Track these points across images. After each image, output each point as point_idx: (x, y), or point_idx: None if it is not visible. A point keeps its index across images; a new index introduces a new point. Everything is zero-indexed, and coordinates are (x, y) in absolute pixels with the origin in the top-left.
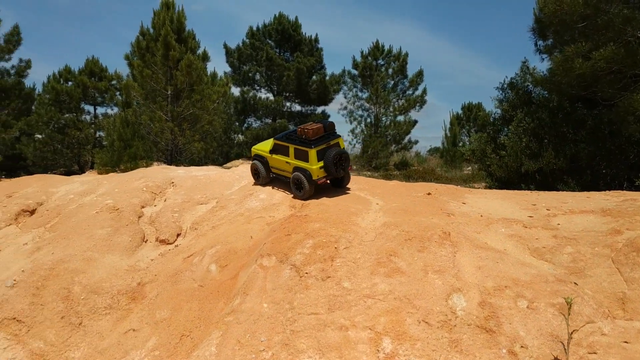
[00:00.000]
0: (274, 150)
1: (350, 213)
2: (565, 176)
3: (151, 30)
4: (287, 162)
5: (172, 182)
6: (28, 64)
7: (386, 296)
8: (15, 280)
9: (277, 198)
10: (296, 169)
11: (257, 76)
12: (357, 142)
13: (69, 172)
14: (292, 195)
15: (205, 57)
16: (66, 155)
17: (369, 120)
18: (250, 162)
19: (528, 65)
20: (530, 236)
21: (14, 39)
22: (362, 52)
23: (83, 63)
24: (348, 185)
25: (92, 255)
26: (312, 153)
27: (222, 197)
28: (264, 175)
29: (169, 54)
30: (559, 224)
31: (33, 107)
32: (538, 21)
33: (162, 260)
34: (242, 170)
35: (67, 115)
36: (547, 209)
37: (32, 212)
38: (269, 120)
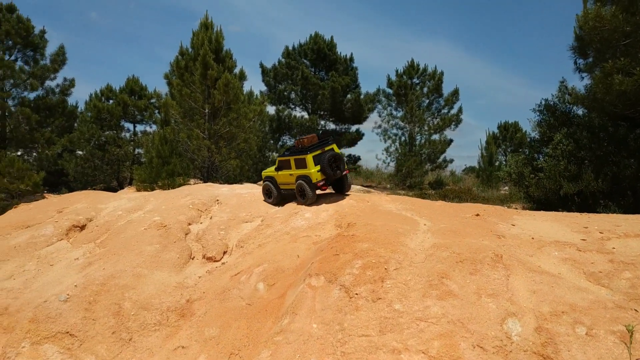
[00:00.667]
0: (279, 167)
1: (398, 233)
2: (605, 199)
3: (190, 50)
4: (290, 175)
5: (217, 200)
6: (72, 83)
7: (439, 319)
8: (68, 294)
9: (322, 217)
10: (298, 177)
11: (292, 95)
12: (391, 160)
13: (108, 188)
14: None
15: (242, 76)
16: (106, 171)
17: (403, 138)
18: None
19: (566, 84)
20: (585, 260)
21: (59, 58)
22: (397, 71)
23: (123, 82)
24: (394, 206)
25: (141, 272)
26: (309, 158)
27: (267, 215)
28: (276, 194)
29: (207, 73)
30: (614, 248)
31: (75, 125)
32: (578, 39)
33: (209, 277)
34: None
35: (107, 132)
36: (600, 232)
37: (82, 227)
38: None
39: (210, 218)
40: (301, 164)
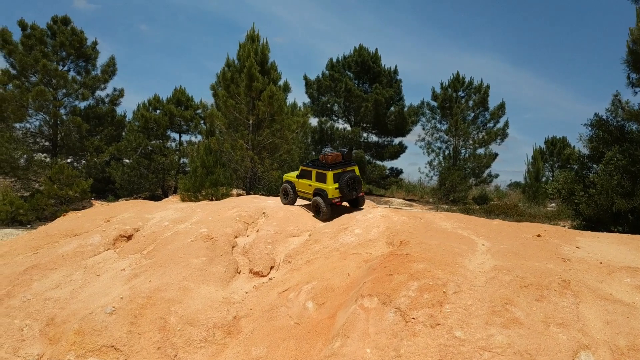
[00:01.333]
0: (301, 175)
1: (455, 254)
2: None
3: (236, 62)
4: (309, 185)
5: (264, 213)
6: (121, 93)
7: (504, 349)
8: (114, 307)
9: (373, 234)
10: (316, 190)
11: (335, 107)
12: (434, 174)
13: (153, 196)
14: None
15: (286, 88)
16: (151, 179)
17: (447, 152)
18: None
19: (620, 98)
20: None
21: (109, 69)
22: (441, 84)
23: (170, 92)
24: (449, 223)
25: (187, 285)
26: (330, 175)
27: (315, 230)
28: (292, 197)
29: (253, 85)
30: None
31: (123, 134)
32: (632, 53)
33: (256, 293)
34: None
35: (154, 141)
36: None
37: (129, 237)
38: (345, 150)
39: (257, 231)
40: (321, 178)
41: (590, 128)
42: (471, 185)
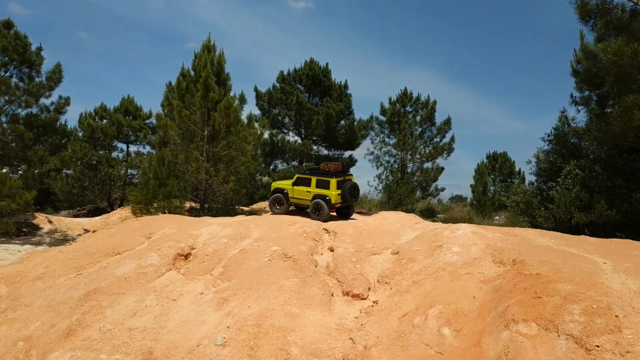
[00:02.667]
0: (296, 183)
1: (587, 273)
2: (618, 231)
3: (191, 72)
4: (307, 192)
5: (325, 229)
6: (67, 101)
7: None
8: (224, 337)
9: (474, 252)
10: (316, 196)
11: (286, 119)
12: (382, 187)
13: (97, 209)
14: (314, 220)
15: (242, 100)
16: (96, 191)
17: (395, 166)
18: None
19: (567, 115)
20: None
21: (55, 76)
22: (390, 99)
23: (111, 101)
24: (547, 240)
25: (292, 310)
26: (333, 182)
27: (401, 248)
28: (286, 206)
29: (209, 95)
30: None
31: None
32: (575, 73)
33: (372, 319)
34: (395, 218)
35: (100, 152)
36: None
37: (186, 256)
38: (295, 163)
39: (332, 250)
40: (324, 185)
41: (548, 143)
42: (418, 199)
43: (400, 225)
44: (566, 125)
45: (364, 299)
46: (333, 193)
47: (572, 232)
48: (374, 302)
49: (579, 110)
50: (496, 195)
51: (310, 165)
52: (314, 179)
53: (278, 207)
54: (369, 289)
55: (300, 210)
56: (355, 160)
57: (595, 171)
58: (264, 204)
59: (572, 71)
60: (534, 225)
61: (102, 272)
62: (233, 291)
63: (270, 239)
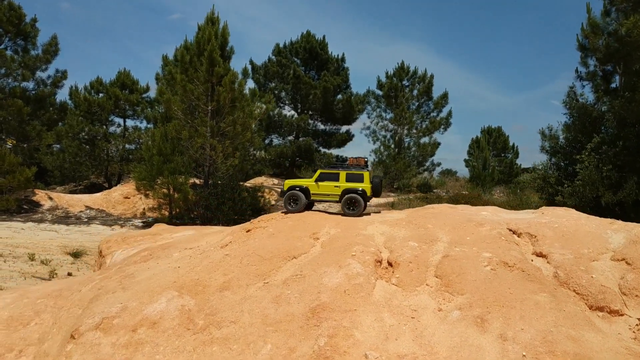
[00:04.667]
0: (321, 178)
1: None
2: None
3: (192, 45)
4: (335, 186)
5: (511, 230)
6: (64, 75)
7: None
8: None
9: None
10: (347, 190)
11: (283, 93)
12: (379, 162)
13: (94, 185)
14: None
15: (245, 74)
16: (91, 167)
17: (392, 141)
18: (282, 195)
19: (575, 91)
20: None
21: (51, 49)
22: (387, 73)
23: (102, 75)
24: None
25: (569, 333)
26: (367, 174)
27: (626, 255)
28: (303, 203)
29: (214, 69)
30: None
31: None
32: (582, 48)
33: None
34: (576, 216)
35: (97, 127)
36: None
37: (380, 262)
38: (291, 138)
39: (541, 255)
40: (357, 179)
41: (569, 116)
42: (415, 174)
43: (596, 226)
44: (574, 101)
45: (621, 315)
46: (367, 185)
47: (597, 211)
48: (638, 319)
49: (584, 86)
50: (495, 171)
51: (308, 140)
52: (343, 173)
53: (293, 204)
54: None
55: (308, 207)
56: (353, 135)
57: (627, 149)
58: (261, 179)
59: (578, 45)
60: (551, 202)
61: (305, 282)
62: (481, 308)
63: (466, 243)
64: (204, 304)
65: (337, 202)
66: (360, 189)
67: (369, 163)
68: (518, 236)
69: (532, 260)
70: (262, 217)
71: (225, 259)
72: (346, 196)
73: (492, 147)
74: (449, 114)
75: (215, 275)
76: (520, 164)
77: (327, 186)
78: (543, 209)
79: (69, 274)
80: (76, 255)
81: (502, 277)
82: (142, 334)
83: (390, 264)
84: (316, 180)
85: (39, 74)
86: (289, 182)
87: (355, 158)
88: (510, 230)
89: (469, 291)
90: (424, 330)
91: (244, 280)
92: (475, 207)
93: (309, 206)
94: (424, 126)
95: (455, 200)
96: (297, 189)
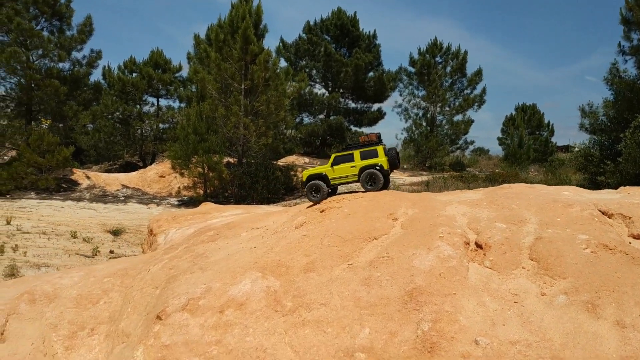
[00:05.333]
0: (336, 162)
1: None
2: None
3: (225, 23)
4: (352, 167)
5: (600, 211)
6: (99, 55)
7: None
8: None
9: None
10: (364, 167)
11: (314, 71)
12: (411, 140)
13: (128, 164)
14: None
15: (279, 52)
16: (126, 146)
17: (424, 119)
18: (305, 186)
19: (618, 67)
20: None
21: (86, 29)
22: (419, 49)
23: (120, 56)
24: None
25: None
26: (380, 149)
27: None
28: (325, 191)
29: (248, 48)
30: None
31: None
32: (625, 22)
33: None
34: None
35: (131, 106)
36: None
37: (468, 243)
38: (322, 116)
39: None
40: (371, 155)
41: (612, 93)
42: (448, 152)
43: None
44: (617, 77)
45: None
46: (383, 159)
47: None
48: None
49: (626, 61)
50: (530, 149)
51: (339, 119)
52: (357, 152)
53: (315, 194)
54: None
55: (332, 193)
56: (384, 113)
57: None
58: (292, 158)
59: (621, 19)
60: (593, 181)
61: (394, 264)
62: (589, 293)
63: (558, 224)
64: (290, 286)
65: (356, 181)
66: (378, 163)
67: (386, 138)
68: (609, 217)
69: (629, 243)
70: (333, 197)
71: (304, 240)
72: (364, 172)
73: (526, 125)
74: (483, 90)
75: (297, 256)
76: (555, 142)
77: (344, 168)
78: (627, 188)
79: (111, 252)
80: (116, 233)
81: (605, 261)
82: (229, 316)
83: (479, 246)
84: (332, 165)
85: (74, 54)
86: (306, 173)
87: (367, 135)
88: (601, 211)
89: (572, 275)
90: (531, 315)
91: (327, 262)
92: (553, 187)
93: (332, 192)
94: (457, 104)
95: (492, 179)
96: (316, 177)
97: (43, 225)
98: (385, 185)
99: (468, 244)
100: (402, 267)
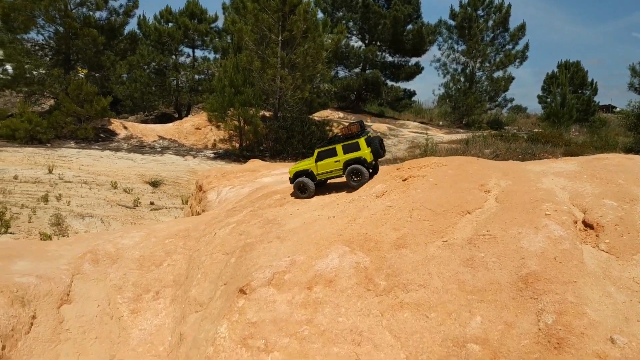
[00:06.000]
0: (319, 158)
1: None
2: None
3: None
4: (336, 162)
5: None
6: (135, 4)
7: None
8: None
9: None
10: (348, 162)
11: (350, 23)
12: (448, 96)
13: (164, 115)
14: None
15: (318, 3)
16: (162, 97)
17: (463, 74)
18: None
19: None
20: None
21: None
22: (460, 2)
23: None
24: None
25: None
26: (362, 141)
27: None
28: (312, 188)
29: None
30: None
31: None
32: None
33: None
34: None
35: (167, 56)
36: None
37: (576, 222)
38: (357, 70)
39: None
40: (353, 148)
41: None
42: (486, 110)
43: None
44: None
45: None
46: (366, 152)
47: None
48: None
49: None
50: (573, 108)
51: (375, 72)
52: (339, 147)
53: (302, 193)
54: None
55: (319, 186)
56: (422, 68)
57: None
58: (326, 112)
59: None
60: None
61: (498, 244)
62: None
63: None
64: (381, 263)
65: (341, 176)
66: (360, 157)
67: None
68: None
69: None
70: (411, 162)
71: (390, 211)
72: (348, 169)
73: (569, 83)
74: (526, 46)
75: (385, 229)
76: (598, 102)
77: (328, 163)
78: None
79: (152, 203)
80: (155, 184)
81: None
82: (319, 293)
83: (589, 226)
84: (316, 161)
85: (111, 2)
86: (293, 169)
87: (346, 127)
88: None
89: None
90: None
91: (420, 238)
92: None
93: (321, 185)
94: (497, 59)
95: (535, 139)
96: (302, 174)
97: (84, 175)
98: (375, 172)
99: (576, 222)
100: (509, 248)
